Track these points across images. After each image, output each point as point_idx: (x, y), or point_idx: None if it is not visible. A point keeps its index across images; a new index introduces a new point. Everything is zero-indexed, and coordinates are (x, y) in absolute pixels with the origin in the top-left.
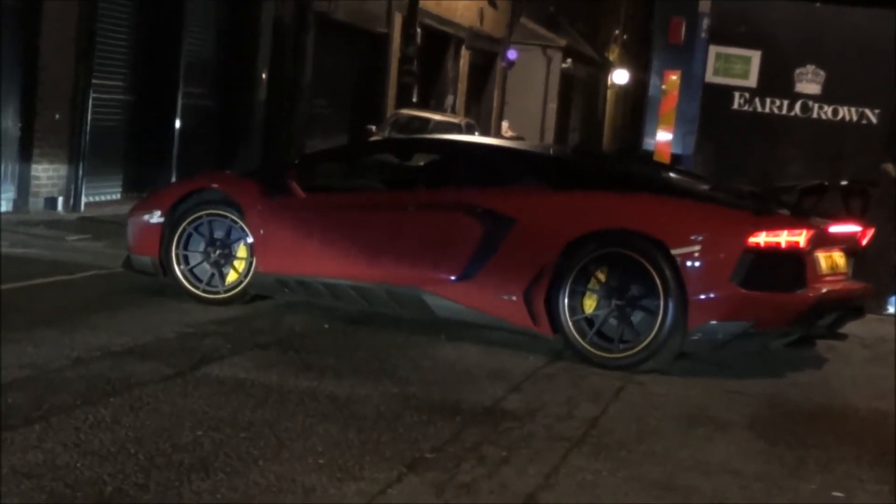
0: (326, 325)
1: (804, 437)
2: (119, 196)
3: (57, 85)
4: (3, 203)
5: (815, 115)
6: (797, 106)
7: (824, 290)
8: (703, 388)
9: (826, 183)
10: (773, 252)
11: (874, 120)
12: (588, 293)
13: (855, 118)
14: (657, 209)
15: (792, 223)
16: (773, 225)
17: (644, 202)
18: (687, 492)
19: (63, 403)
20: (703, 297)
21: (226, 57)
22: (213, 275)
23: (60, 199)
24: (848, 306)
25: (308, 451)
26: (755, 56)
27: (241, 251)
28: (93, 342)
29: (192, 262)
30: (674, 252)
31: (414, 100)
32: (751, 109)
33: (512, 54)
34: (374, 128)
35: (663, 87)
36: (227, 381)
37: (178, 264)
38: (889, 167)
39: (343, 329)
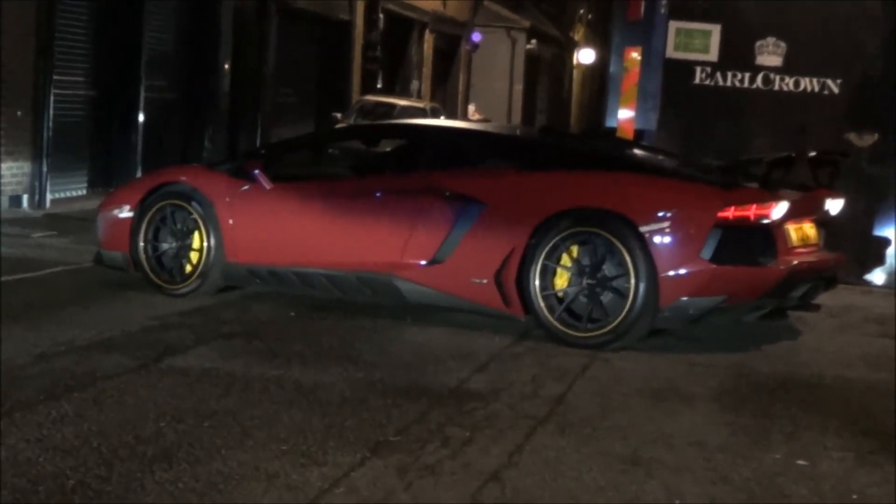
0: (293, 313)
1: (769, 407)
2: (85, 192)
3: (18, 82)
4: None
5: (776, 88)
6: (759, 78)
7: (795, 262)
8: (668, 361)
9: (794, 154)
10: (742, 226)
11: (836, 90)
12: (559, 272)
13: (817, 89)
14: (625, 187)
15: (761, 196)
16: (742, 199)
17: (611, 180)
18: (651, 465)
19: (26, 399)
20: (673, 273)
21: (187, 49)
22: (172, 267)
23: (25, 197)
24: (820, 277)
25: (272, 438)
26: (715, 30)
27: (196, 241)
28: (58, 337)
29: (158, 254)
30: (642, 229)
31: (379, 86)
32: (712, 83)
33: (476, 37)
34: (339, 115)
35: (624, 64)
36: (192, 372)
37: (146, 258)
38: (853, 136)
39: (309, 316)
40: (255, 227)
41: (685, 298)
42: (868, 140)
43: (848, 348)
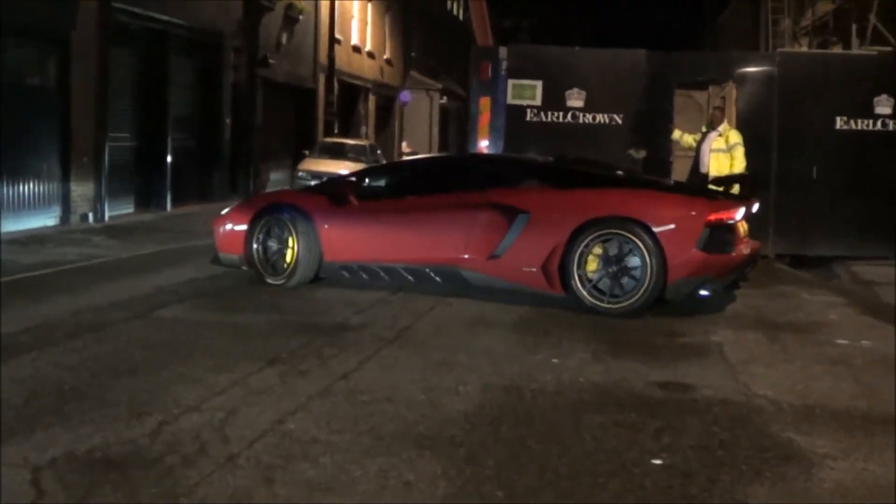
0: (247, 282)
1: (547, 328)
2: (132, 210)
3: (84, 142)
4: (53, 219)
5: (581, 121)
6: (569, 115)
7: (745, 250)
8: (489, 303)
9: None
10: (721, 225)
11: (620, 122)
12: (590, 260)
13: (608, 121)
14: (641, 200)
15: (731, 205)
16: (721, 207)
17: (630, 195)
18: (453, 366)
19: (55, 339)
20: (678, 260)
21: (200, 110)
22: (274, 264)
23: (90, 214)
24: (755, 259)
25: (206, 357)
26: (538, 84)
27: (290, 245)
28: (91, 301)
29: (268, 256)
30: (655, 230)
31: (336, 131)
32: (538, 120)
33: (405, 96)
34: (307, 152)
35: (479, 108)
36: (168, 319)
37: (257, 258)
38: (632, 151)
39: (257, 285)
40: (346, 234)
41: (685, 277)
42: (641, 154)
43: None
